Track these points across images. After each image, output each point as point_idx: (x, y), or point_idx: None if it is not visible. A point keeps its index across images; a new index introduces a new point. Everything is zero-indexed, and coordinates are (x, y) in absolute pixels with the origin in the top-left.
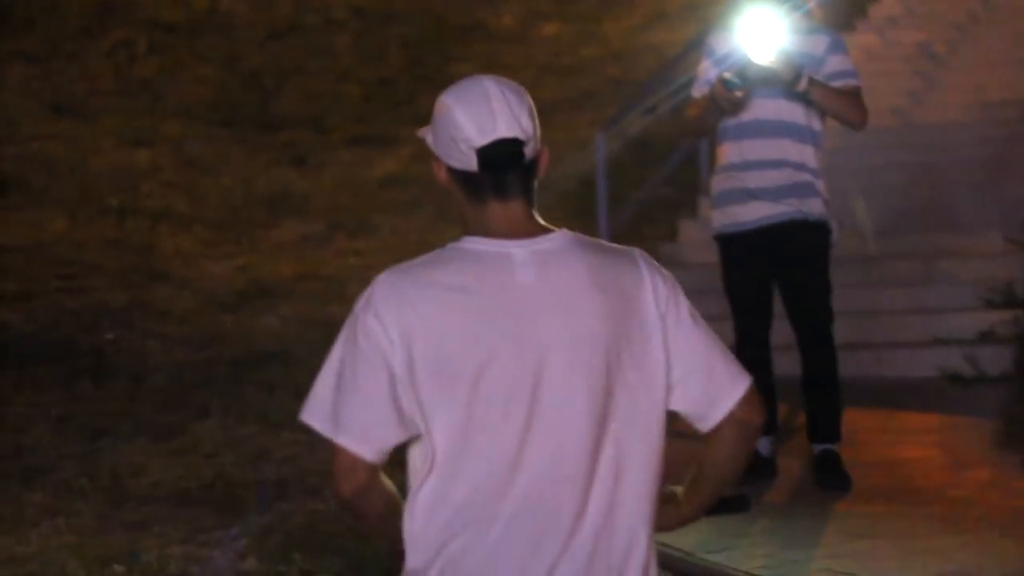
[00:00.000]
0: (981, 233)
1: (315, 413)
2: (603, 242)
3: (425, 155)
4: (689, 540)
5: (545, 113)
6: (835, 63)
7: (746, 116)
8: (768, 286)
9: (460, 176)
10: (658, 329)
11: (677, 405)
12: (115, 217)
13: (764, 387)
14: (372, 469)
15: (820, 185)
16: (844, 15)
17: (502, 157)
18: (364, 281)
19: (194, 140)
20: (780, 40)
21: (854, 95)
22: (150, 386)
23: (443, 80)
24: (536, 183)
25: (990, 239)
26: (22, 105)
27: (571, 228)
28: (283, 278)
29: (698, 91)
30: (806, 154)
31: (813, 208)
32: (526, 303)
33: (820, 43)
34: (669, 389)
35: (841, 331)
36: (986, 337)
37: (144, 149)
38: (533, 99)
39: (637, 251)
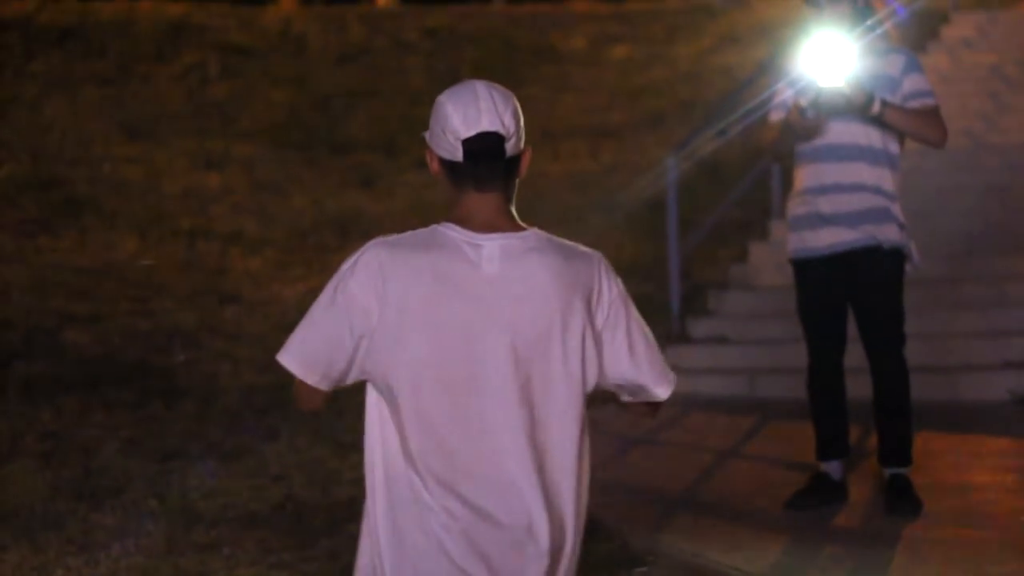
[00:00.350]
0: None
1: (290, 356)
2: (569, 243)
3: None
4: (759, 566)
5: (616, 135)
6: (911, 83)
7: (821, 140)
8: (841, 311)
9: (448, 166)
10: (594, 328)
11: (601, 386)
12: (186, 239)
13: (836, 411)
14: (327, 393)
15: (896, 209)
16: (917, 37)
17: (484, 149)
18: None
19: (265, 163)
20: (851, 64)
21: (931, 114)
22: (220, 408)
23: None
24: (516, 181)
25: None
26: (95, 128)
27: (641, 250)
28: None
29: (774, 115)
30: (882, 177)
31: (888, 235)
32: (485, 292)
33: (896, 63)
34: (602, 377)
35: (913, 354)
36: None
37: (215, 171)
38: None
39: (598, 256)
